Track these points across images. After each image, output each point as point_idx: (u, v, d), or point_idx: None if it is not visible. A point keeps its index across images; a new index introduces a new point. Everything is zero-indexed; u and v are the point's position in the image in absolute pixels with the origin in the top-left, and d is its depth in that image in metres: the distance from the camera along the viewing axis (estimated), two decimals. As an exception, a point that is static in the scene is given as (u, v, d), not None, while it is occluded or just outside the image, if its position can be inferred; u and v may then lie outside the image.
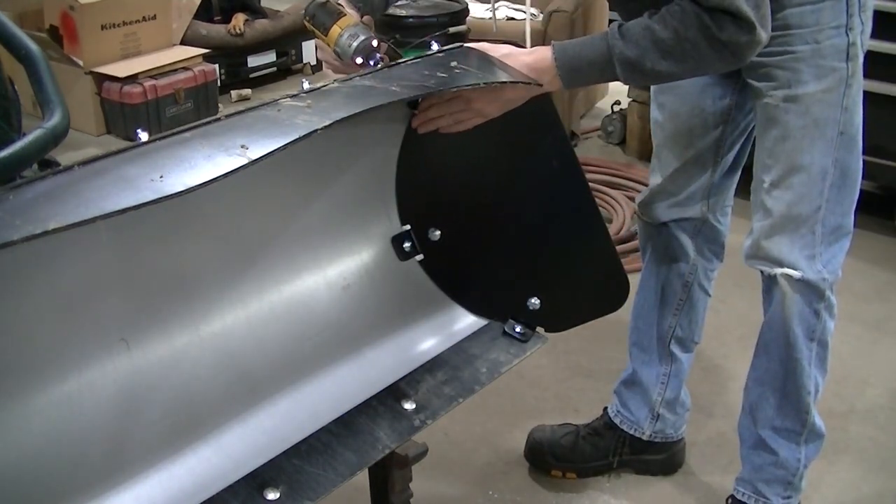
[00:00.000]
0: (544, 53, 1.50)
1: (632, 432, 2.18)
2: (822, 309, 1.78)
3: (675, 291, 2.06)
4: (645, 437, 2.18)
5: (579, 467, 2.20)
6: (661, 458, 2.21)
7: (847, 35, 1.62)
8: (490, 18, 4.17)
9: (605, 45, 1.46)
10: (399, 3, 3.91)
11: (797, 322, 1.78)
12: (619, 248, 2.79)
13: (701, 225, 2.01)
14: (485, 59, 1.52)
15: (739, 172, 2.00)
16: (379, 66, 1.51)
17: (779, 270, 1.76)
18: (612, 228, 3.37)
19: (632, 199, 3.42)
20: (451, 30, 3.71)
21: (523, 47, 1.57)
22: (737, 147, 1.94)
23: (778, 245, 1.75)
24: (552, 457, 2.21)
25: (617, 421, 2.19)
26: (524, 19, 4.20)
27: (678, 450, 2.23)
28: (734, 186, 2.02)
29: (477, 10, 4.18)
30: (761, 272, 1.81)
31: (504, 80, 1.45)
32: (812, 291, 1.76)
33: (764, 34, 1.43)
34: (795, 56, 1.63)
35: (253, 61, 5.08)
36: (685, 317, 2.09)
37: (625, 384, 2.19)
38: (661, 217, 2.01)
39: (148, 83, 4.32)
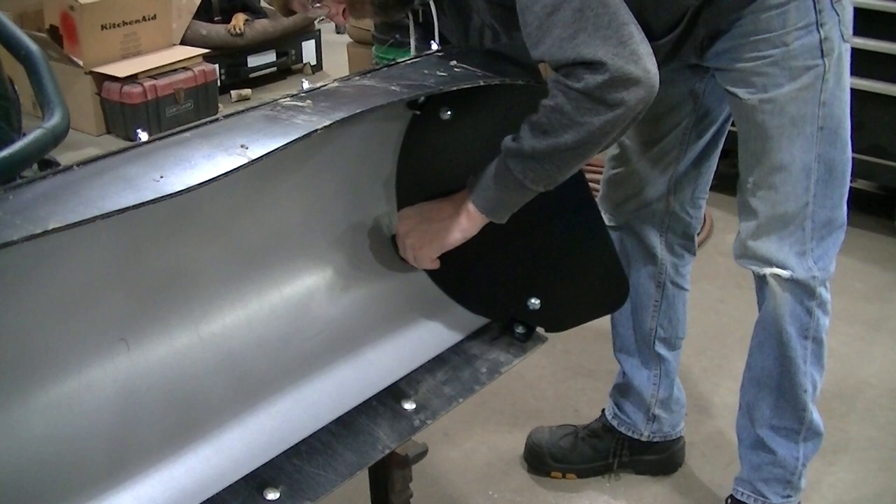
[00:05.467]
0: (465, 200, 1.51)
1: (630, 434, 2.18)
2: (815, 307, 1.77)
3: (649, 293, 2.05)
4: (643, 438, 2.18)
5: (579, 468, 2.20)
6: (660, 458, 2.21)
7: (818, 31, 1.60)
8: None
9: (500, 155, 1.45)
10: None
11: (789, 321, 1.77)
12: (619, 248, 2.79)
13: (667, 218, 1.98)
14: (485, 57, 1.52)
15: (713, 164, 1.97)
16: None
17: (768, 270, 1.75)
18: (612, 228, 3.37)
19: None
20: (451, 30, 3.70)
21: (522, 47, 1.56)
22: (706, 137, 1.91)
23: (766, 244, 1.74)
24: (551, 458, 2.21)
25: (614, 424, 2.19)
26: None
27: (678, 449, 2.23)
28: (707, 178, 1.99)
29: (477, 10, 4.17)
30: (752, 271, 1.80)
31: (507, 79, 1.45)
32: (802, 290, 1.75)
33: (634, 69, 1.34)
34: (766, 61, 1.61)
35: (253, 61, 5.09)
36: (664, 316, 2.07)
37: (618, 389, 2.18)
38: (623, 208, 1.99)
39: (148, 83, 4.32)
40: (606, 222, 2.01)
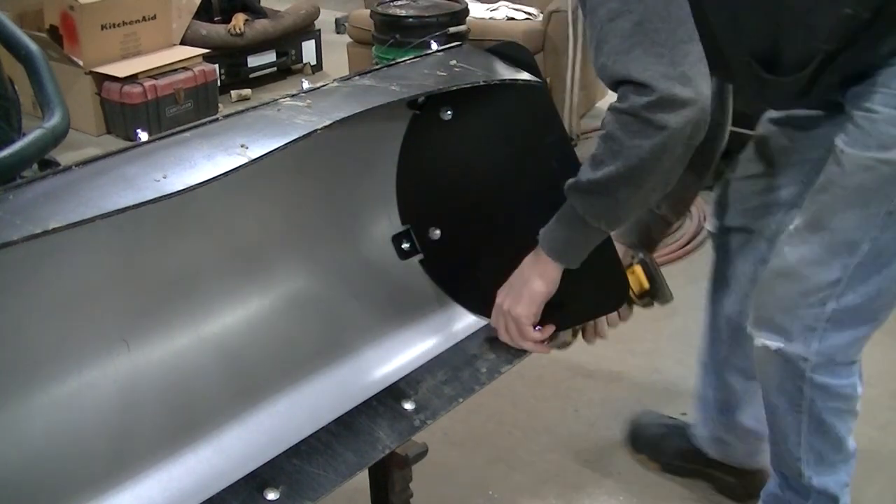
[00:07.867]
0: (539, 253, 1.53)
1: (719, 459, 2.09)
2: (806, 388, 1.60)
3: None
4: (730, 464, 2.09)
5: (663, 463, 2.20)
6: (735, 481, 2.10)
7: None
8: (490, 19, 4.17)
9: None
10: (399, 2, 3.91)
11: (776, 394, 1.65)
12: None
13: (764, 246, 1.78)
14: (485, 56, 1.52)
15: None
16: None
17: (759, 340, 1.62)
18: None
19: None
20: (451, 30, 3.71)
21: (522, 47, 1.56)
22: None
23: (780, 300, 1.57)
24: (643, 442, 2.22)
25: (708, 450, 2.10)
26: (525, 19, 4.20)
27: (758, 479, 2.01)
28: None
29: (477, 10, 4.18)
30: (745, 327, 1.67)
31: (506, 78, 1.45)
32: (789, 367, 1.59)
33: (681, 91, 1.30)
34: (871, 117, 1.42)
35: (253, 61, 5.09)
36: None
37: (718, 410, 2.05)
38: (751, 202, 1.80)
39: (148, 83, 4.32)
40: (727, 223, 1.86)
